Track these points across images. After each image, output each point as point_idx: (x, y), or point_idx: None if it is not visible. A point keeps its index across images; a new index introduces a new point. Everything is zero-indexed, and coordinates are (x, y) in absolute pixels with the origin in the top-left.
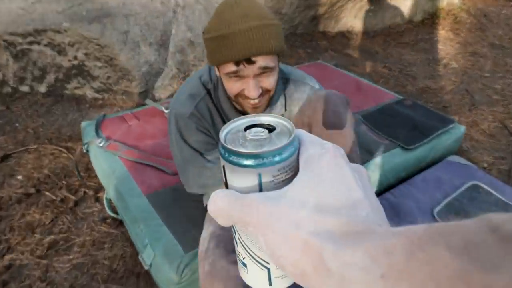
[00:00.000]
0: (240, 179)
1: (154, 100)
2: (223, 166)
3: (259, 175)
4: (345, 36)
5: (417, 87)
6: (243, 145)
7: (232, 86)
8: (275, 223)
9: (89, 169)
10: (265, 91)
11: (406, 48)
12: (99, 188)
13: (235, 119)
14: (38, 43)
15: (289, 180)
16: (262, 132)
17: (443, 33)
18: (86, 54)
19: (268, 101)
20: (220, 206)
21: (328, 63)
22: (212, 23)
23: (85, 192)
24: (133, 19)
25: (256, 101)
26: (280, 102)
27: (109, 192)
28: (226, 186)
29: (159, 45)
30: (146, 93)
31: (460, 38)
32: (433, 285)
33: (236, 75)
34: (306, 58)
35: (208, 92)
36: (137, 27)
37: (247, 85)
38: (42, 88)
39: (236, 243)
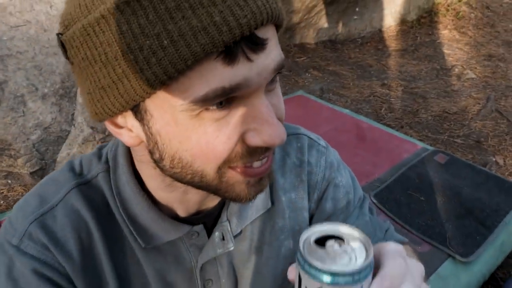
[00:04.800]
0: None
1: None
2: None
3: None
4: (328, 47)
5: (433, 113)
6: (321, 258)
7: (210, 137)
8: None
9: None
10: None
11: (404, 56)
12: None
13: (312, 228)
14: None
15: None
16: (340, 245)
17: (446, 33)
18: None
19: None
20: None
21: (312, 95)
22: None
23: None
24: (14, 62)
25: (266, 161)
26: None
27: None
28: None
29: (59, 96)
30: (44, 172)
31: (468, 38)
32: None
33: (227, 96)
34: (281, 85)
35: (88, 181)
36: (21, 74)
37: (258, 113)
38: None
39: None
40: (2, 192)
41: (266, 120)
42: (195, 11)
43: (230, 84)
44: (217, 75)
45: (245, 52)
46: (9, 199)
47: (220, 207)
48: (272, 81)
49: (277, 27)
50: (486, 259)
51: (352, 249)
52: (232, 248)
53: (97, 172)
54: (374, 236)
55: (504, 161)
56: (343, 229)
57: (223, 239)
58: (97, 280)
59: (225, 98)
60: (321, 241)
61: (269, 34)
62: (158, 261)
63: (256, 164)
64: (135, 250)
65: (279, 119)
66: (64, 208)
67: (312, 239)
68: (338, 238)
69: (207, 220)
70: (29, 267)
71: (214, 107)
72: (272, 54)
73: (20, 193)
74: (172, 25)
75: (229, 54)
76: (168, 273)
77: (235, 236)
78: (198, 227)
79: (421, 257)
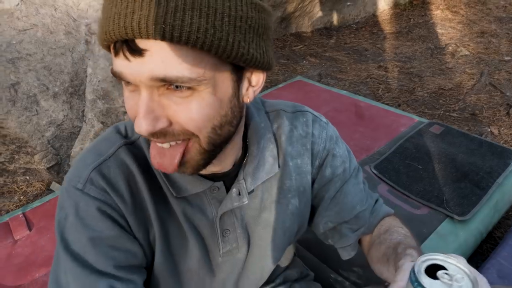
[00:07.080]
0: None
1: None
2: None
3: None
4: (324, 34)
5: (429, 90)
6: (431, 284)
7: (126, 101)
8: None
9: None
10: (179, 130)
11: (399, 38)
12: None
13: (426, 256)
14: None
15: None
16: (450, 279)
17: (438, 13)
18: None
19: (208, 157)
20: None
21: (310, 80)
22: None
23: None
24: (25, 64)
25: (158, 144)
26: (270, 153)
27: None
28: None
29: (69, 95)
30: (60, 167)
31: (460, 17)
32: None
33: (121, 79)
34: (280, 73)
35: (133, 142)
36: (32, 75)
37: (135, 103)
38: None
39: None
40: (22, 188)
41: (138, 111)
42: (106, 7)
43: (115, 71)
44: (114, 60)
45: (123, 52)
46: (29, 194)
47: (237, 169)
48: (167, 89)
49: (202, 46)
50: (482, 217)
51: (459, 286)
52: (246, 202)
53: (139, 135)
54: (366, 202)
55: (499, 131)
56: (452, 262)
57: (239, 194)
58: (144, 220)
59: (125, 80)
60: (432, 269)
61: (152, 47)
62: (186, 208)
63: (164, 144)
64: (169, 198)
65: (174, 122)
66: (115, 161)
67: (424, 265)
68: (447, 270)
69: (225, 179)
70: (93, 206)
71: (126, 83)
72: (150, 65)
73: (39, 188)
74: (103, 13)
75: (115, 48)
76: (195, 218)
77: (249, 193)
78: (219, 183)
79: (421, 219)
